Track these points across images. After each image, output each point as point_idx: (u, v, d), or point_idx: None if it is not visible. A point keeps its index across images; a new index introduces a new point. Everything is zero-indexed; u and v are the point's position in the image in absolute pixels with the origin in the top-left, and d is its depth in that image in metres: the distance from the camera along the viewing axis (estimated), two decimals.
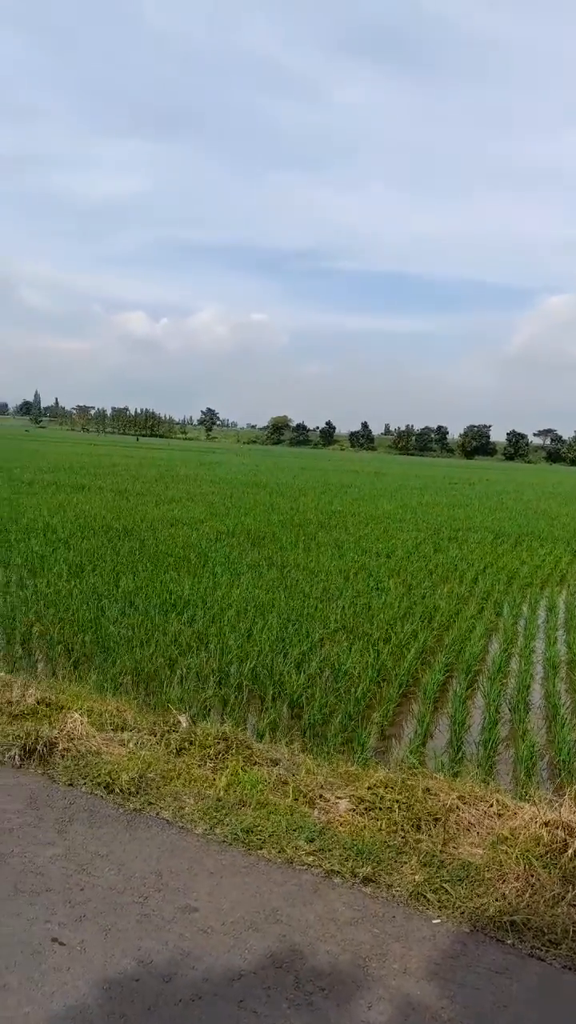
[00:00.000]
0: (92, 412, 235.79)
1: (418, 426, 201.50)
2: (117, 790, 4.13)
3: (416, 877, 3.54)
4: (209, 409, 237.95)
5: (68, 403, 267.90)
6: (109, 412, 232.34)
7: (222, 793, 4.22)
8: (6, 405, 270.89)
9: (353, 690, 6.77)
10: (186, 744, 4.88)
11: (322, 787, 4.44)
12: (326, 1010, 2.68)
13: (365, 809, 4.20)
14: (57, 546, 12.84)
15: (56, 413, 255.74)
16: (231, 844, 3.74)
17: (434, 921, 3.24)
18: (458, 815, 4.11)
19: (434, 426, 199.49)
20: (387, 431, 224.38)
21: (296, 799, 4.26)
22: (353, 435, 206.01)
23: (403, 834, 3.94)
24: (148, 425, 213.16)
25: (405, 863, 3.66)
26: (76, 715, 4.87)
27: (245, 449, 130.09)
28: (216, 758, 4.70)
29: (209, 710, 6.27)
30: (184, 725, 5.17)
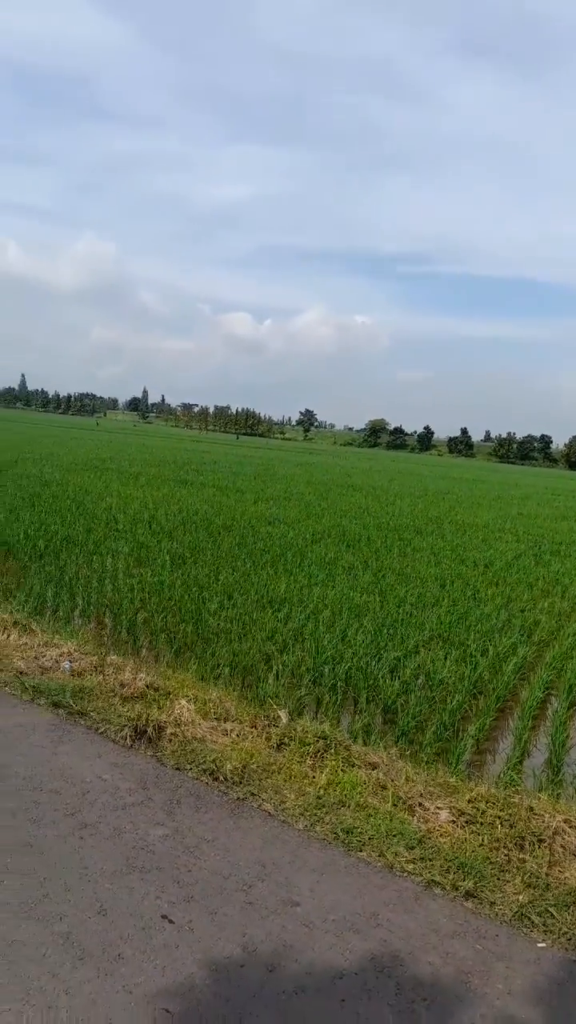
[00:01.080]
0: (195, 410, 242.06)
1: (520, 434, 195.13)
2: (222, 778, 4.25)
3: (520, 897, 3.46)
4: (308, 410, 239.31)
5: (174, 400, 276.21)
6: (212, 410, 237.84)
7: (322, 791, 4.26)
8: (116, 400, 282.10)
9: (448, 700, 6.66)
10: (286, 739, 4.95)
11: (421, 795, 4.40)
12: (427, 1020, 2.67)
13: (466, 822, 4.14)
14: (161, 537, 13.25)
15: (162, 410, 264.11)
16: (331, 843, 3.77)
17: (539, 944, 3.15)
18: (564, 838, 3.98)
19: (537, 434, 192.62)
20: (487, 438, 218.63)
21: (395, 805, 4.25)
22: (452, 441, 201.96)
23: (506, 851, 3.85)
24: (248, 424, 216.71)
25: (508, 881, 3.58)
26: (184, 701, 5.04)
27: (341, 451, 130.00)
28: (315, 756, 4.75)
29: (303, 708, 6.32)
30: (284, 720, 5.24)
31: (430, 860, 3.68)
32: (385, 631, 8.59)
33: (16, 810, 3.72)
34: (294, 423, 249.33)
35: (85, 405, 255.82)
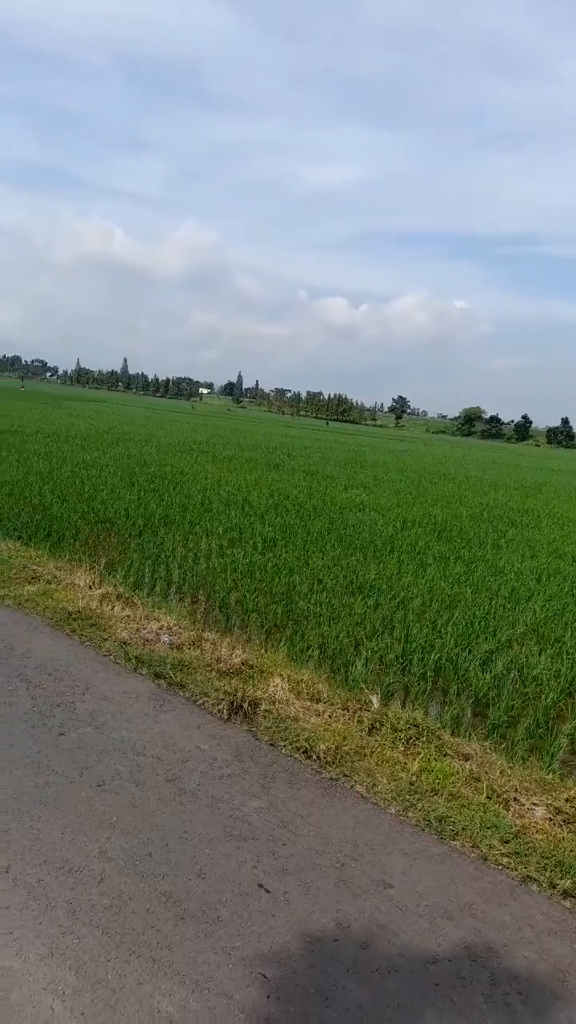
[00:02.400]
0: (288, 395, 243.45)
1: None
2: (315, 757, 4.30)
3: None
4: (400, 397, 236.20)
5: (267, 385, 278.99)
6: (304, 396, 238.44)
7: (414, 778, 4.25)
8: (212, 384, 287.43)
9: (543, 697, 6.47)
10: (377, 724, 4.95)
11: (516, 790, 4.32)
12: (523, 1015, 2.63)
13: (564, 821, 4.03)
14: (253, 520, 13.44)
15: (255, 394, 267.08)
16: (424, 830, 3.76)
17: None
18: None
19: None
20: None
21: (489, 797, 4.18)
22: (551, 431, 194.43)
23: None
24: (339, 410, 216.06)
25: None
26: (278, 680, 5.13)
27: (434, 439, 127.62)
28: (407, 743, 4.73)
29: (392, 694, 6.30)
30: (375, 705, 5.25)
31: (526, 856, 3.61)
32: (477, 623, 8.43)
33: (122, 772, 3.90)
34: (386, 410, 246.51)
35: (182, 389, 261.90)
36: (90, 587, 7.08)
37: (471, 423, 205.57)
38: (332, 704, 5.22)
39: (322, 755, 4.33)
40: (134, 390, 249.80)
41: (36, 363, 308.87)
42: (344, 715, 5.06)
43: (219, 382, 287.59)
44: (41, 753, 3.99)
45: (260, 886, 3.14)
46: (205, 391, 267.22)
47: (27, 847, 3.19)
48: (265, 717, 4.76)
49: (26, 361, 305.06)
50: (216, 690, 5.01)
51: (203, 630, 6.34)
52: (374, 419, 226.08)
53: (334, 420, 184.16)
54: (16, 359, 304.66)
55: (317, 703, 5.17)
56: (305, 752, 4.36)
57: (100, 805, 3.57)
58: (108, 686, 5.02)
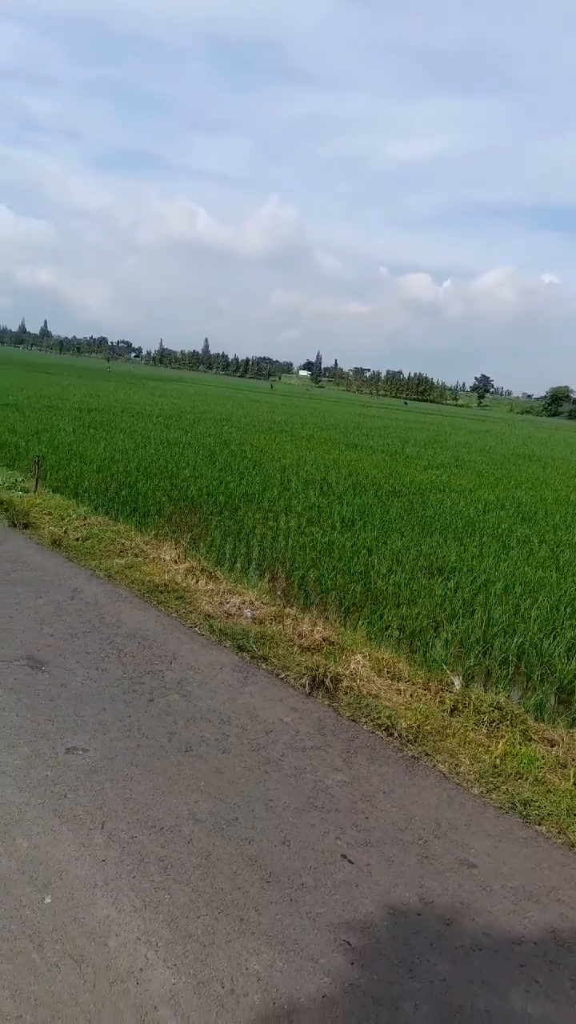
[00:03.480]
0: (367, 374, 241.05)
1: None
2: (396, 735, 4.31)
3: None
4: (483, 376, 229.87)
5: (346, 365, 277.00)
6: (383, 375, 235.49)
7: (498, 761, 4.19)
8: (291, 364, 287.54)
9: None
10: (459, 705, 4.90)
11: None
12: None
13: None
14: (332, 499, 13.44)
15: (334, 374, 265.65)
16: (507, 812, 3.71)
17: None
18: None
19: None
20: None
21: None
22: None
23: None
24: (419, 390, 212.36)
25: None
26: (359, 657, 5.15)
27: (518, 419, 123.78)
28: (490, 725, 4.67)
29: (472, 677, 6.21)
30: (457, 687, 5.19)
31: None
32: (563, 609, 8.18)
33: (208, 739, 4.02)
34: (468, 389, 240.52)
35: (262, 369, 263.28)
36: (175, 561, 7.27)
37: (558, 403, 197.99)
38: (413, 683, 5.19)
39: (404, 733, 4.33)
40: (214, 370, 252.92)
41: (122, 344, 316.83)
42: (425, 695, 5.03)
43: (298, 362, 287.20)
44: (132, 718, 4.15)
45: (343, 856, 3.18)
46: (284, 373, 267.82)
47: (121, 805, 3.33)
48: (346, 693, 4.79)
49: (112, 342, 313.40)
50: (298, 665, 5.07)
51: (285, 606, 6.41)
52: (455, 399, 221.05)
53: (413, 400, 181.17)
54: (103, 340, 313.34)
55: (398, 682, 5.15)
56: (387, 729, 4.37)
57: (188, 769, 3.70)
58: (194, 656, 5.16)
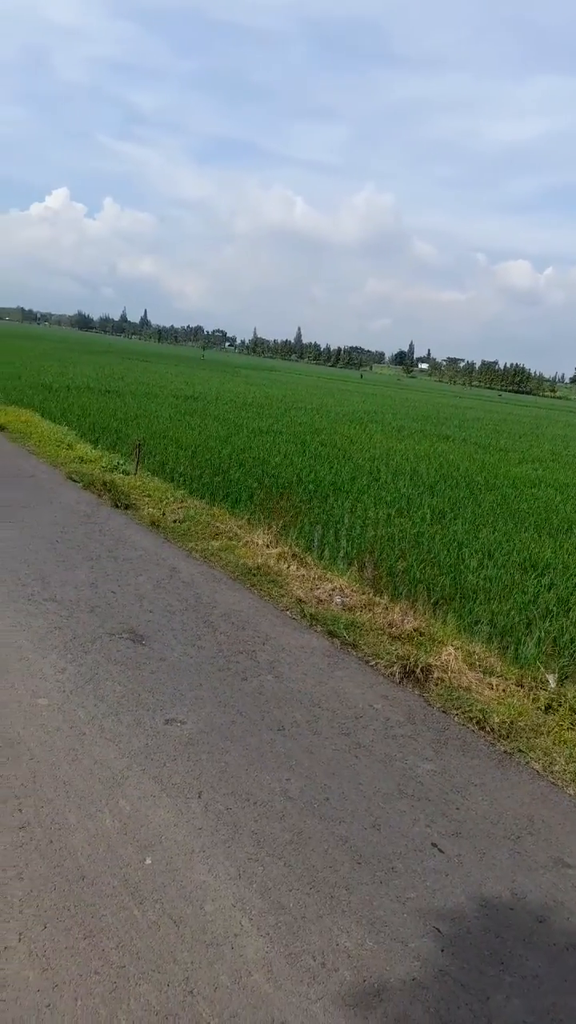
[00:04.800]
0: (461, 364, 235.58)
1: None
2: (488, 729, 4.24)
3: None
4: None
5: (439, 354, 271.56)
6: (477, 365, 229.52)
7: None
8: (383, 354, 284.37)
9: None
10: (555, 704, 4.77)
11: None
12: None
13: None
14: (422, 491, 13.27)
15: (427, 363, 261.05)
16: None
17: None
18: None
19: None
20: None
21: None
22: None
23: None
24: (515, 380, 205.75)
25: None
26: (451, 649, 5.09)
27: None
28: None
29: (566, 677, 6.01)
30: (552, 685, 5.06)
31: None
32: None
33: (299, 720, 4.09)
34: (568, 380, 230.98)
35: (353, 359, 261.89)
36: (267, 546, 7.38)
37: None
38: (506, 679, 5.09)
39: (496, 728, 4.26)
40: (306, 359, 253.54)
41: (217, 333, 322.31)
42: (519, 691, 4.92)
43: (390, 351, 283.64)
44: (227, 694, 4.27)
45: (433, 845, 3.17)
46: (375, 363, 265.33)
47: (216, 777, 3.45)
48: (437, 684, 4.75)
49: (208, 331, 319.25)
50: (388, 653, 5.06)
51: (376, 595, 6.40)
52: (553, 390, 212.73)
53: (508, 391, 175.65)
54: (199, 329, 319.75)
55: (490, 676, 5.06)
56: (478, 723, 4.31)
57: (280, 748, 3.77)
58: (285, 639, 5.24)
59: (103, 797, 3.19)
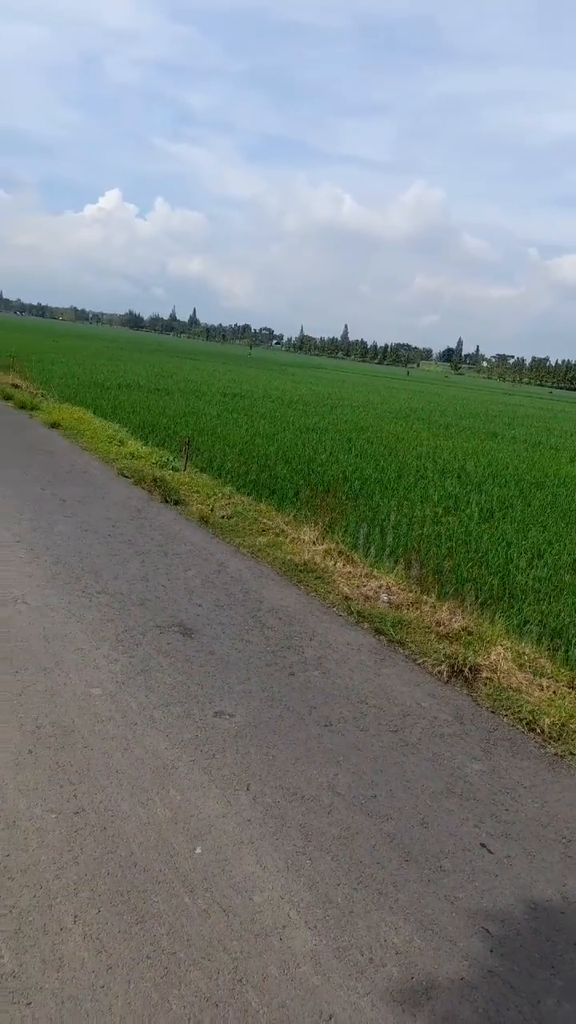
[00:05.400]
0: (510, 361, 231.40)
1: None
2: (538, 730, 4.18)
3: None
4: None
5: (488, 351, 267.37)
6: (528, 362, 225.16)
7: None
8: (430, 351, 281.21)
9: None
10: None
11: None
12: None
13: None
14: (470, 489, 13.11)
15: (475, 361, 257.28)
16: None
17: None
18: None
19: None
20: None
21: None
22: None
23: None
24: (568, 377, 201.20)
25: None
26: (500, 649, 5.02)
27: None
28: None
29: None
30: None
31: None
32: None
33: (346, 716, 4.09)
34: None
35: (400, 356, 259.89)
36: (314, 542, 7.39)
37: None
38: (557, 681, 5.00)
39: (546, 730, 4.19)
40: (352, 357, 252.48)
41: (264, 331, 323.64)
42: (570, 694, 4.83)
43: (437, 348, 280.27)
44: (274, 689, 4.30)
45: (482, 845, 3.15)
46: (423, 360, 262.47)
47: (264, 771, 3.48)
48: (486, 684, 4.70)
49: (255, 329, 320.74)
50: (435, 651, 5.02)
51: (423, 593, 6.36)
52: None
53: (560, 388, 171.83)
54: (247, 327, 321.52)
55: (540, 677, 4.98)
56: (528, 724, 4.25)
57: (328, 743, 3.79)
58: (332, 635, 5.25)
59: (154, 786, 3.26)
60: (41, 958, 2.34)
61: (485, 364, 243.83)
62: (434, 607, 5.92)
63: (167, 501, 8.64)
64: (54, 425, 13.72)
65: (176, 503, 8.60)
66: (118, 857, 2.81)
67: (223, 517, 8.12)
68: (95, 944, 2.41)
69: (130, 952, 2.40)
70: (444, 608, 5.82)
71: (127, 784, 3.25)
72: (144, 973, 2.33)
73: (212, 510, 8.33)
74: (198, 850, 2.90)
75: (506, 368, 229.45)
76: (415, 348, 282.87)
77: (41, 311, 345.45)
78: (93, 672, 4.23)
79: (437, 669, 4.84)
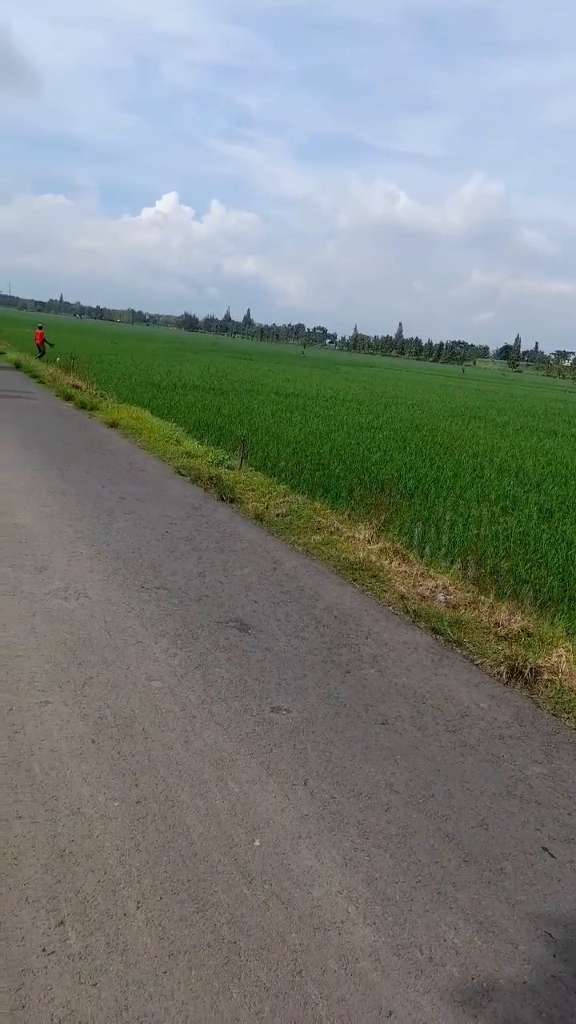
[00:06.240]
0: (572, 358, 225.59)
1: None
2: None
3: None
4: None
5: (548, 348, 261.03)
6: None
7: None
8: (487, 348, 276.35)
9: None
10: None
11: None
12: None
13: None
14: (528, 489, 12.85)
15: (534, 358, 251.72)
16: None
17: None
18: None
19: None
20: None
21: None
22: None
23: None
24: None
25: None
26: (562, 650, 4.91)
27: None
28: None
29: None
30: None
31: None
32: None
33: (403, 715, 4.07)
34: None
35: (456, 353, 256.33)
36: (368, 541, 7.36)
37: None
38: None
39: None
40: (406, 355, 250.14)
41: (317, 330, 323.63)
42: None
43: (494, 345, 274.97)
44: (330, 686, 4.31)
45: (544, 849, 3.09)
46: (479, 357, 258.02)
47: (321, 766, 3.49)
48: (547, 687, 4.60)
49: (308, 328, 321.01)
50: (494, 652, 4.95)
51: (480, 593, 6.26)
52: None
53: None
54: (300, 327, 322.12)
55: None
56: None
57: (385, 741, 3.77)
58: (388, 634, 5.22)
59: (213, 778, 3.30)
60: (106, 941, 2.40)
61: (551, 360, 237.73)
62: (492, 607, 5.83)
63: (223, 499, 8.73)
64: (113, 424, 14.02)
65: (232, 501, 8.69)
66: (179, 846, 2.86)
67: (278, 515, 8.17)
68: (157, 930, 2.46)
69: (191, 939, 2.44)
70: (503, 609, 5.72)
71: (187, 775, 3.30)
72: (205, 961, 2.36)
73: (267, 508, 8.38)
74: (256, 842, 2.93)
75: (565, 366, 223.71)
76: (471, 345, 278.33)
77: (100, 314, 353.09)
78: (153, 665, 4.31)
79: (496, 670, 4.76)
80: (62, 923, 2.44)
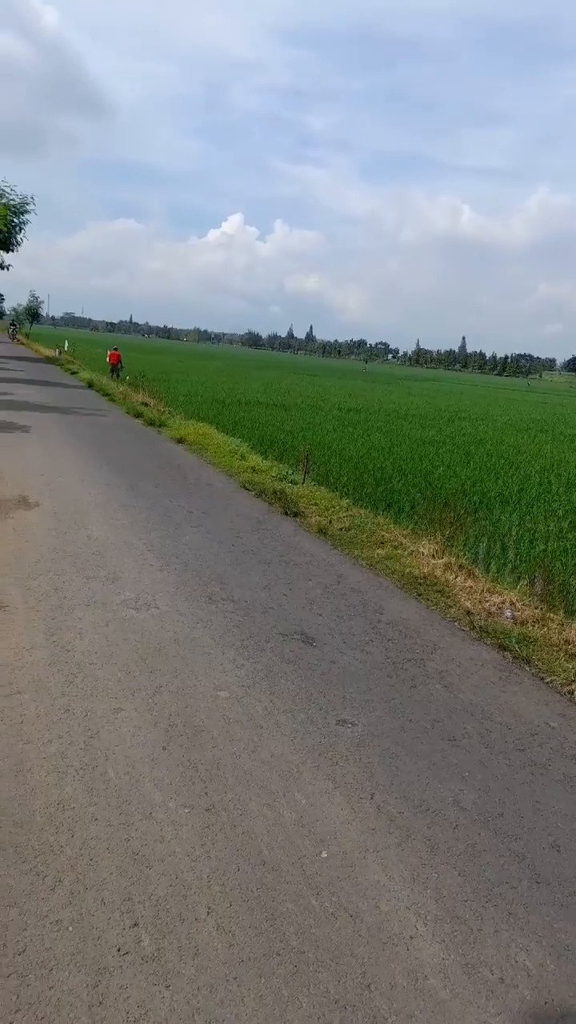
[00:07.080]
0: None
1: None
2: None
3: None
4: None
5: None
6: None
7: None
8: (554, 361, 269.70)
9: None
10: None
11: None
12: None
13: None
14: None
15: None
16: None
17: None
18: None
19: None
20: None
21: None
22: None
23: None
24: None
25: None
26: None
27: None
28: None
29: None
30: None
31: None
32: None
33: (471, 732, 4.02)
34: None
35: (521, 366, 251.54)
36: (433, 556, 7.30)
37: None
38: None
39: None
40: (470, 369, 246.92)
41: (379, 345, 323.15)
42: None
43: (563, 357, 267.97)
44: (396, 700, 4.29)
45: None
46: (546, 370, 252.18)
47: (388, 781, 3.48)
48: None
49: (370, 344, 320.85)
50: (565, 671, 4.83)
51: (549, 610, 6.12)
52: None
53: None
54: (362, 342, 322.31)
55: None
56: None
57: (452, 758, 3.73)
58: (454, 650, 5.16)
59: (280, 789, 3.33)
60: (178, 945, 2.45)
61: None
62: (562, 625, 5.70)
63: (287, 513, 8.81)
64: (180, 440, 14.33)
65: (295, 515, 8.76)
66: (247, 855, 2.90)
67: (341, 529, 8.19)
68: (227, 936, 2.50)
69: (261, 947, 2.47)
70: (574, 627, 5.58)
71: (255, 785, 3.34)
72: (275, 969, 2.39)
73: (330, 522, 8.42)
74: (324, 854, 2.94)
75: None
76: (537, 358, 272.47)
77: (167, 333, 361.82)
78: (220, 675, 4.39)
79: (567, 689, 4.65)
80: (136, 925, 2.51)
